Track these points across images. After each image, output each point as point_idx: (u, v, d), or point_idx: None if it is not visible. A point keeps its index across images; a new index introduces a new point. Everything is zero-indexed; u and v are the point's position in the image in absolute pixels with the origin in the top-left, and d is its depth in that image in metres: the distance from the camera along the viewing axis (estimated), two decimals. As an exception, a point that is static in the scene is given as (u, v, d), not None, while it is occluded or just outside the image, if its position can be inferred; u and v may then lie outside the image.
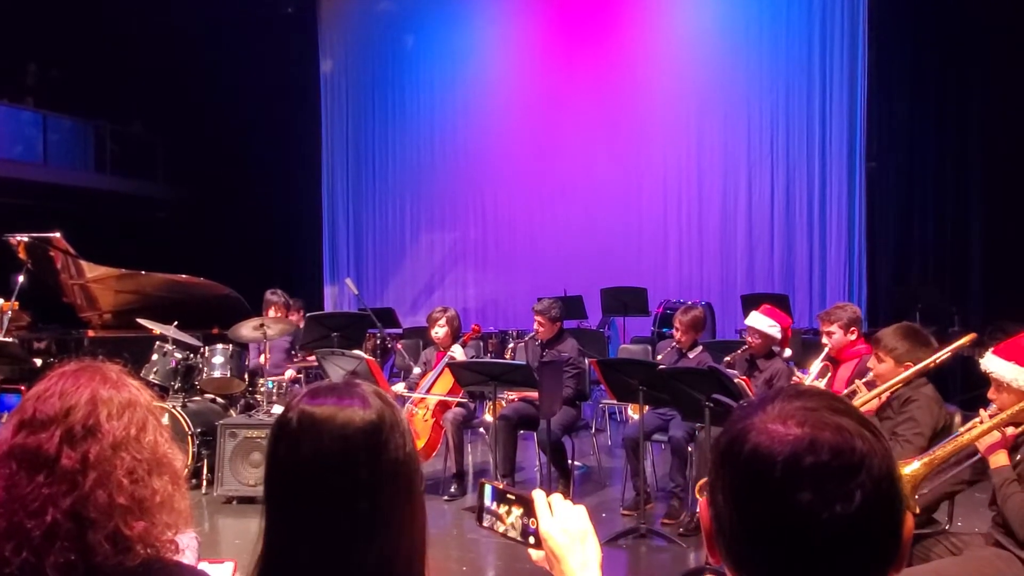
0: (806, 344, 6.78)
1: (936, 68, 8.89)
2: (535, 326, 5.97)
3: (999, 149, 8.36)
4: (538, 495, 1.27)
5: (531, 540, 1.27)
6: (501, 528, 1.32)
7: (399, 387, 6.13)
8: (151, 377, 6.10)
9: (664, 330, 8.54)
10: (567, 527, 1.23)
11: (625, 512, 5.30)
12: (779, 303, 6.74)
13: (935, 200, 8.99)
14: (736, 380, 4.15)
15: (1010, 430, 2.77)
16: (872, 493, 0.85)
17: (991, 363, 2.82)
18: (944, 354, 3.44)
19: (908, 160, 9.15)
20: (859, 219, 9.59)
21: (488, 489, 1.34)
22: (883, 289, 9.37)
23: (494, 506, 1.33)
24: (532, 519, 1.27)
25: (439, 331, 6.08)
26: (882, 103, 9.36)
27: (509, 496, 1.31)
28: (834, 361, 4.62)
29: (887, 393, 3.46)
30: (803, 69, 9.92)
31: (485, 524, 1.34)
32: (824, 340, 4.65)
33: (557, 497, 1.27)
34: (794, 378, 4.72)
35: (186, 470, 1.74)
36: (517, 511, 1.30)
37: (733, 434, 0.92)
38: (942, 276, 8.82)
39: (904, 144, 9.19)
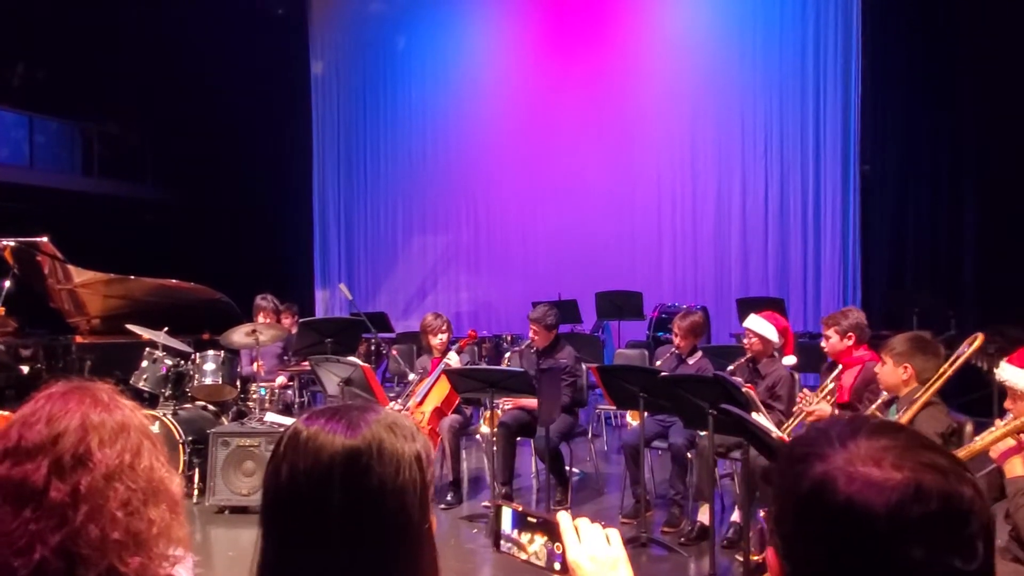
0: (802, 348, 6.74)
1: (931, 71, 8.86)
2: (530, 334, 5.86)
3: (993, 152, 8.34)
4: (563, 519, 1.19)
5: (556, 567, 1.19)
6: (523, 556, 1.23)
7: (392, 407, 6.04)
8: (141, 384, 6.00)
9: (659, 334, 8.48)
10: (596, 554, 1.15)
11: (624, 520, 5.23)
12: (774, 307, 6.70)
13: (930, 203, 8.95)
14: (743, 389, 4.08)
15: (1024, 438, 2.72)
16: (988, 542, 0.78)
17: (1005, 372, 2.77)
18: (957, 364, 3.40)
19: (902, 163, 9.12)
20: (854, 222, 9.54)
21: (507, 513, 1.25)
22: (878, 293, 9.32)
23: (515, 533, 1.24)
24: (557, 544, 1.19)
25: (442, 337, 6.00)
26: (876, 106, 9.32)
27: (531, 520, 1.23)
28: (834, 366, 4.59)
29: (907, 417, 3.40)
30: (797, 72, 9.88)
31: (503, 550, 1.26)
32: (822, 343, 4.67)
33: (584, 521, 1.19)
34: (800, 392, 4.64)
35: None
36: (541, 538, 1.22)
37: (815, 479, 0.82)
38: (937, 280, 8.79)
39: (898, 147, 9.15)
